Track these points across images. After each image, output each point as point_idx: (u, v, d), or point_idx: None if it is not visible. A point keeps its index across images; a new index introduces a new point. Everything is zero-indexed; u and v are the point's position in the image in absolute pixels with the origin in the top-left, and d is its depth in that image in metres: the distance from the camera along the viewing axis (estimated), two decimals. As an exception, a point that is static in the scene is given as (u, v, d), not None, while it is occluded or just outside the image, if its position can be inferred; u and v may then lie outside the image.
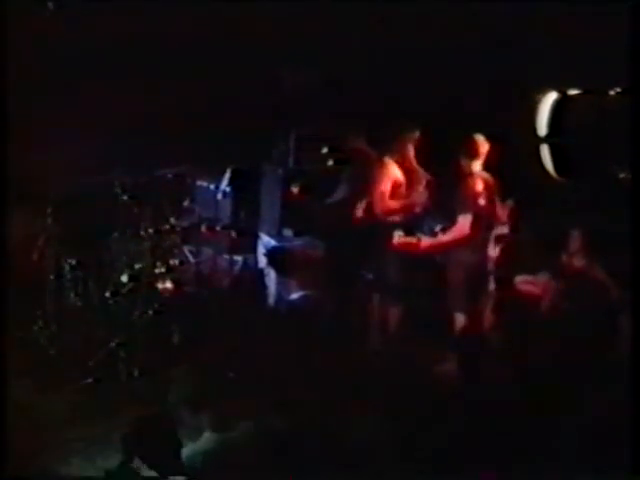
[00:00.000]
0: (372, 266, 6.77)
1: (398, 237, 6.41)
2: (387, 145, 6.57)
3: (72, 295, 6.74)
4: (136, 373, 6.04)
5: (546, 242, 6.40)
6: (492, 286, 6.40)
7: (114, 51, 6.81)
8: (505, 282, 6.31)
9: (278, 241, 7.39)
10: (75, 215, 6.79)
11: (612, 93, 5.21)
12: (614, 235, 5.88)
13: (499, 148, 6.30)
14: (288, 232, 7.36)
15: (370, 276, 6.81)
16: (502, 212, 6.39)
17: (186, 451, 4.92)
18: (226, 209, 7.33)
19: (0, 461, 4.69)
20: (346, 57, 6.90)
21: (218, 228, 7.05)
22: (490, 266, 6.40)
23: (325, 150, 6.58)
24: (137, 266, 6.63)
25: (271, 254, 7.34)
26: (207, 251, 7.38)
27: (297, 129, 7.31)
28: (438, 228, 6.42)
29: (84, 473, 5.01)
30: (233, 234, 7.18)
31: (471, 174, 6.32)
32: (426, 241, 6.39)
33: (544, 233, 6.40)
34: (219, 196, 7.19)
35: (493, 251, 6.38)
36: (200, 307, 6.85)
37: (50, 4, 6.44)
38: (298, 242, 7.30)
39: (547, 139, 5.38)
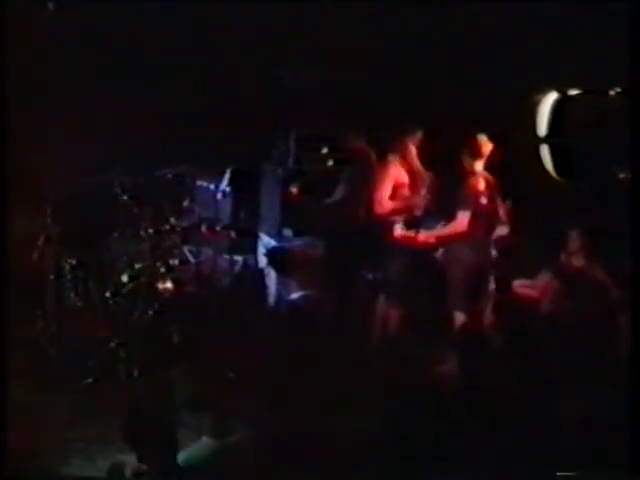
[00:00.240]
0: (372, 266, 6.78)
1: (400, 229, 6.43)
2: (390, 145, 6.58)
3: (72, 295, 6.74)
4: (136, 373, 6.04)
5: (546, 242, 6.41)
6: (492, 286, 6.41)
7: (114, 51, 6.82)
8: (505, 282, 6.32)
9: (278, 241, 7.39)
10: (75, 215, 6.79)
11: (612, 93, 5.21)
12: (613, 235, 5.89)
13: (502, 148, 6.31)
14: (288, 232, 7.37)
15: (370, 276, 6.82)
16: (502, 212, 6.40)
17: (185, 452, 4.94)
18: (226, 209, 7.33)
19: (1, 461, 4.69)
20: (346, 57, 6.90)
21: (218, 228, 7.04)
22: (490, 266, 6.40)
23: (325, 150, 6.59)
24: (137, 266, 6.63)
25: (271, 254, 7.34)
26: (207, 251, 7.37)
27: (297, 129, 7.33)
28: (439, 227, 6.46)
29: (84, 473, 5.01)
30: (233, 234, 7.18)
31: (473, 173, 6.33)
32: (424, 234, 6.40)
33: (544, 233, 6.40)
34: (219, 196, 7.19)
35: (493, 251, 6.39)
36: (200, 307, 6.84)
37: (50, 4, 6.45)
38: (298, 242, 7.31)
39: (547, 139, 5.37)
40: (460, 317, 6.31)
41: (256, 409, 5.43)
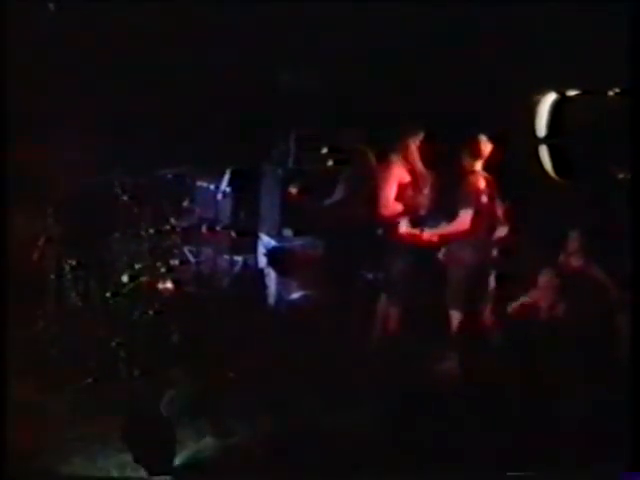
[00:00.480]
0: (372, 266, 6.79)
1: (405, 227, 6.45)
2: (392, 146, 6.60)
3: (73, 295, 6.74)
4: (136, 373, 6.04)
5: (545, 242, 6.41)
6: (492, 285, 6.42)
7: (114, 51, 6.82)
8: (504, 281, 6.33)
9: (278, 241, 7.41)
10: (76, 215, 6.79)
11: (611, 94, 5.21)
12: (612, 235, 5.90)
13: (501, 149, 6.33)
14: (288, 232, 7.39)
15: (370, 276, 6.83)
16: (501, 212, 6.41)
17: (187, 451, 4.96)
18: (226, 209, 7.34)
19: (1, 461, 4.70)
20: (346, 57, 6.91)
21: (218, 228, 7.05)
22: (489, 265, 6.42)
23: (325, 150, 6.59)
24: (137, 266, 6.63)
25: (271, 254, 7.35)
26: (207, 251, 7.38)
27: (297, 129, 7.33)
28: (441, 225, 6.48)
29: (85, 472, 5.02)
30: (233, 234, 7.19)
31: (473, 172, 6.35)
32: (428, 233, 6.43)
33: (543, 233, 6.41)
34: (219, 196, 7.19)
35: (492, 250, 6.41)
36: (200, 307, 6.85)
37: (51, 5, 6.45)
38: (298, 242, 7.32)
39: (546, 140, 5.37)
40: (460, 316, 6.32)
41: (256, 409, 5.45)
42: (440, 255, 6.50)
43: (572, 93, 5.34)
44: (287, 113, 7.24)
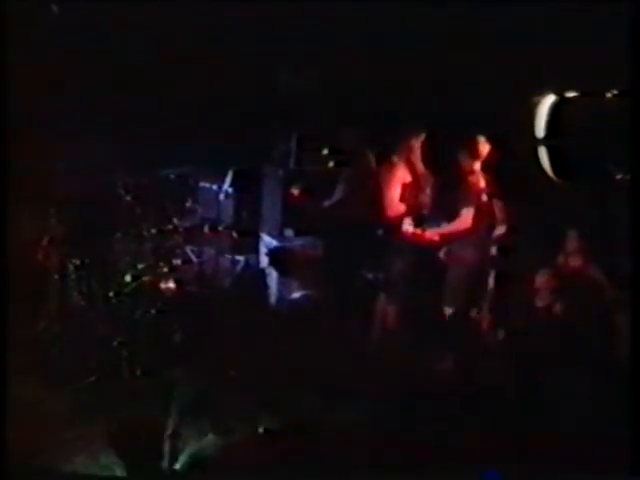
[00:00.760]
0: (372, 266, 6.82)
1: (409, 226, 6.48)
2: (393, 146, 6.63)
3: (76, 295, 6.77)
4: (138, 372, 6.08)
5: (544, 242, 6.43)
6: (491, 285, 6.44)
7: (116, 52, 6.84)
8: (503, 281, 6.36)
9: (279, 241, 7.43)
10: (79, 215, 6.82)
11: (609, 95, 5.23)
12: (611, 235, 5.92)
13: (500, 149, 6.35)
14: (289, 232, 7.41)
15: (370, 275, 6.86)
16: (500, 212, 6.43)
17: (188, 450, 4.99)
18: (228, 210, 7.38)
19: (3, 459, 4.73)
20: (347, 58, 6.91)
21: (220, 228, 7.09)
22: (489, 265, 6.44)
23: (325, 151, 6.62)
24: (140, 266, 6.68)
25: (272, 254, 7.38)
26: (209, 251, 7.41)
27: (298, 130, 7.35)
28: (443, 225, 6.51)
29: (87, 471, 5.05)
30: (235, 234, 7.23)
31: (472, 172, 6.38)
32: (430, 232, 6.46)
33: (542, 233, 6.42)
34: (221, 197, 7.24)
35: (492, 250, 6.43)
36: (202, 306, 6.88)
37: (54, 7, 6.47)
38: (299, 242, 7.34)
39: (545, 141, 5.40)
40: (460, 317, 6.35)
41: (257, 408, 5.47)
42: (441, 254, 6.53)
43: (570, 95, 5.36)
44: (288, 114, 7.25)
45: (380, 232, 6.63)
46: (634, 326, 5.12)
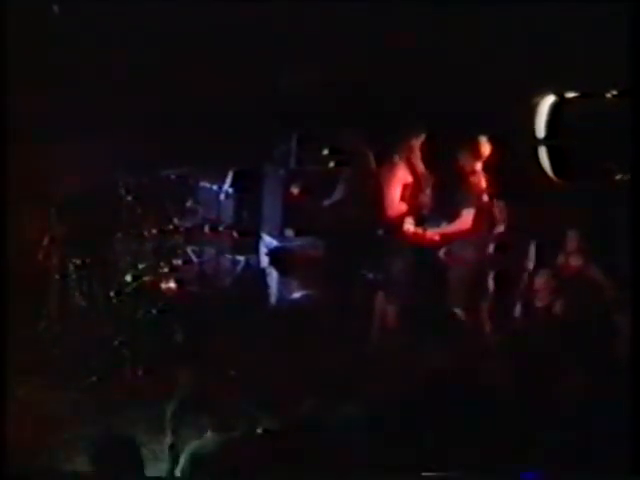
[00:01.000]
0: (373, 265, 6.82)
1: (408, 227, 6.49)
2: (393, 146, 6.63)
3: (76, 295, 6.80)
4: (140, 372, 6.10)
5: (544, 242, 6.43)
6: (491, 284, 6.45)
7: (116, 52, 6.85)
8: (503, 280, 6.37)
9: (280, 241, 7.45)
10: (79, 215, 6.84)
11: (609, 95, 5.22)
12: (611, 236, 5.92)
13: (501, 149, 6.36)
14: (290, 232, 7.42)
15: (370, 275, 6.86)
16: (500, 212, 6.44)
17: (189, 448, 4.99)
18: (229, 210, 7.40)
19: (3, 459, 4.74)
20: (346, 57, 6.92)
21: (221, 228, 7.11)
22: (489, 264, 6.45)
23: (326, 151, 6.62)
24: (141, 266, 6.70)
25: (273, 254, 7.39)
26: (210, 251, 7.44)
27: (298, 130, 7.36)
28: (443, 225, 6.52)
29: (87, 471, 5.05)
30: (235, 234, 7.25)
31: (473, 172, 6.39)
32: (430, 232, 6.47)
33: (542, 233, 6.43)
34: (222, 197, 7.26)
35: (492, 250, 6.44)
36: (203, 306, 6.90)
37: (55, 7, 6.48)
38: (300, 242, 7.36)
39: (545, 141, 5.39)
40: (460, 316, 6.36)
41: (257, 407, 5.48)
42: (441, 254, 6.54)
43: (571, 95, 5.35)
44: (288, 114, 7.26)
45: (380, 232, 6.64)
46: (634, 326, 5.11)
